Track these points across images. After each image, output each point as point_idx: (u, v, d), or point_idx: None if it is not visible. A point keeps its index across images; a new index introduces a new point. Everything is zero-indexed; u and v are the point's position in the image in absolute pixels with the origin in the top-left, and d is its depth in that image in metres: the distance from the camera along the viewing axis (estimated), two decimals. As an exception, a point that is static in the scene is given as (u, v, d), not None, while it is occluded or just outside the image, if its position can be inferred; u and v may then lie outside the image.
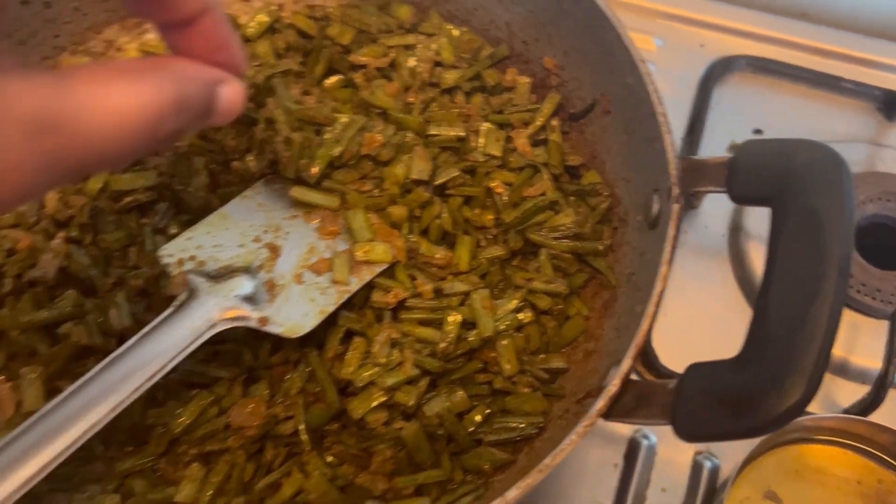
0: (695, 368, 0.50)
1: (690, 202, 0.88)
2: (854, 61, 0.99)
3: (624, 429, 0.78)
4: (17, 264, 0.64)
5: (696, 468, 0.76)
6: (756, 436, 0.47)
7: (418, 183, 0.66)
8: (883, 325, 0.78)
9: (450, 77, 0.73)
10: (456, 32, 0.76)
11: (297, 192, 0.65)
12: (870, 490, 0.71)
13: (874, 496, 0.71)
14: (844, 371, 0.80)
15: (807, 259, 0.48)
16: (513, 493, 0.47)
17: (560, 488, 0.75)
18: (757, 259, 0.85)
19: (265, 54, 0.73)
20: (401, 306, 0.63)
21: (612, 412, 0.50)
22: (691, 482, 0.76)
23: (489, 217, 0.68)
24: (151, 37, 0.76)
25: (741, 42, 1.00)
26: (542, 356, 0.64)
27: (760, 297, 0.49)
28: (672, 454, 0.77)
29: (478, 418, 0.60)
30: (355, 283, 0.62)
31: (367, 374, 0.60)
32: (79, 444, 0.49)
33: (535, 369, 0.62)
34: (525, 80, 0.74)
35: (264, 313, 0.58)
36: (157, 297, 0.63)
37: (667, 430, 0.76)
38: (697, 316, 0.82)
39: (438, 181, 0.67)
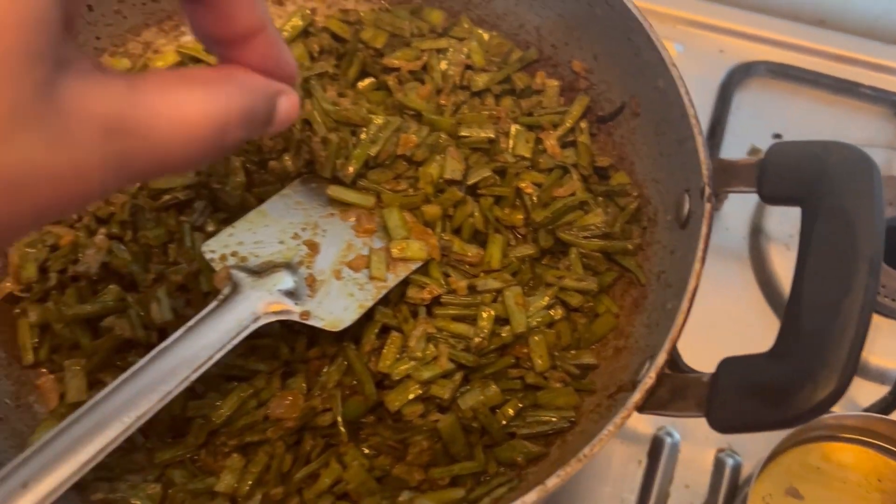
0: (728, 362, 0.52)
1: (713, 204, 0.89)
2: (872, 67, 1.00)
3: (648, 426, 0.79)
4: (60, 259, 0.66)
5: (719, 465, 0.78)
6: (790, 427, 0.49)
7: (451, 183, 0.68)
8: (902, 327, 0.80)
9: (480, 80, 0.74)
10: (486, 36, 0.77)
11: (334, 190, 0.66)
12: (890, 487, 0.72)
13: (894, 494, 0.72)
14: (864, 371, 0.82)
15: (838, 257, 0.49)
16: (553, 481, 0.48)
17: (585, 484, 0.77)
18: (778, 261, 0.86)
19: (300, 57, 0.74)
20: (435, 302, 0.64)
21: (648, 405, 0.52)
22: (714, 479, 0.77)
23: (519, 217, 0.69)
24: (188, 39, 0.78)
25: (760, 48, 1.01)
26: (572, 352, 0.65)
27: (793, 293, 0.50)
28: (695, 451, 0.78)
29: (511, 412, 0.62)
30: (392, 280, 0.63)
31: (403, 367, 0.61)
32: (128, 433, 0.50)
33: (567, 365, 0.64)
34: (554, 84, 0.75)
35: (306, 307, 0.59)
36: (196, 292, 0.65)
37: (690, 428, 0.79)
38: (719, 317, 0.84)
39: (471, 181, 0.68)
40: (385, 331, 0.64)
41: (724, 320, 0.84)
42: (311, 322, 0.59)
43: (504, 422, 0.62)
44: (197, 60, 0.76)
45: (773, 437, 0.68)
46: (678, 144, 0.62)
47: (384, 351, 0.62)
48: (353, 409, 0.61)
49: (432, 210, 0.66)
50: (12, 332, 0.65)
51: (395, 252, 0.64)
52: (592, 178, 0.72)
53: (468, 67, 0.75)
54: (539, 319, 0.64)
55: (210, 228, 0.68)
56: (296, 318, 0.59)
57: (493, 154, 0.71)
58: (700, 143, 0.57)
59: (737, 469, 0.77)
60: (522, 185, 0.69)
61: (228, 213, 0.69)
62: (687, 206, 0.60)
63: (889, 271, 0.84)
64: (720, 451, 0.78)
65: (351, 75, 0.75)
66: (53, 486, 0.47)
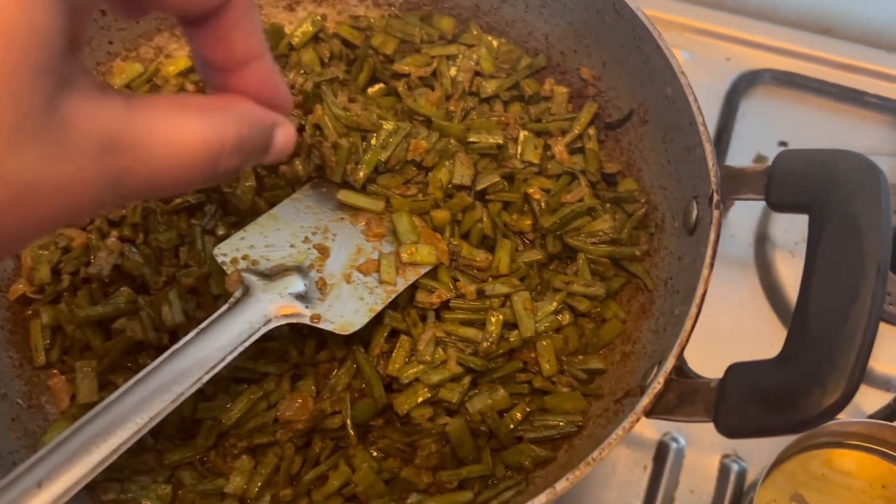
0: (736, 368, 0.52)
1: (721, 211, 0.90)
2: (878, 76, 1.01)
3: (653, 432, 0.80)
4: (72, 262, 0.66)
5: (724, 471, 0.78)
6: (798, 432, 0.49)
7: (460, 188, 0.68)
8: (907, 334, 0.80)
9: (489, 86, 0.75)
10: (495, 43, 0.78)
11: (344, 195, 0.67)
12: (895, 494, 0.72)
13: (899, 500, 0.72)
14: (869, 378, 0.82)
15: (845, 263, 0.50)
16: (562, 484, 0.48)
17: (591, 490, 0.77)
18: (783, 268, 0.87)
19: (311, 62, 0.75)
20: (444, 307, 0.65)
21: (656, 409, 0.52)
22: (719, 484, 0.78)
23: (527, 222, 0.70)
24: (199, 44, 0.79)
25: (766, 56, 1.02)
26: (580, 357, 0.65)
27: (800, 300, 0.51)
28: (700, 457, 0.79)
29: (518, 416, 0.62)
30: (401, 284, 0.64)
31: (412, 371, 0.62)
32: (141, 434, 0.51)
33: (574, 369, 0.64)
34: (562, 90, 0.76)
35: (316, 311, 0.60)
36: (207, 295, 0.65)
37: (696, 434, 0.79)
38: (725, 323, 0.84)
39: (479, 187, 0.69)
40: (394, 334, 0.64)
41: (730, 327, 0.84)
42: (321, 325, 0.60)
43: (512, 426, 0.62)
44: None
45: (777, 444, 0.68)
46: (686, 151, 0.62)
47: (393, 354, 0.63)
48: (361, 412, 0.62)
49: (441, 215, 0.67)
50: (24, 333, 0.66)
51: (404, 256, 0.64)
52: (600, 184, 0.72)
53: (477, 74, 0.76)
54: (547, 324, 0.65)
55: (221, 232, 0.68)
56: (306, 321, 0.59)
57: (502, 160, 0.71)
58: (709, 150, 0.58)
59: (742, 475, 0.78)
60: (530, 190, 0.70)
61: (239, 216, 0.69)
62: (695, 213, 0.61)
63: (894, 278, 0.84)
64: (725, 456, 0.79)
65: (361, 81, 0.75)
66: (67, 486, 0.48)
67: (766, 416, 0.48)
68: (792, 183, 0.55)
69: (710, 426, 0.78)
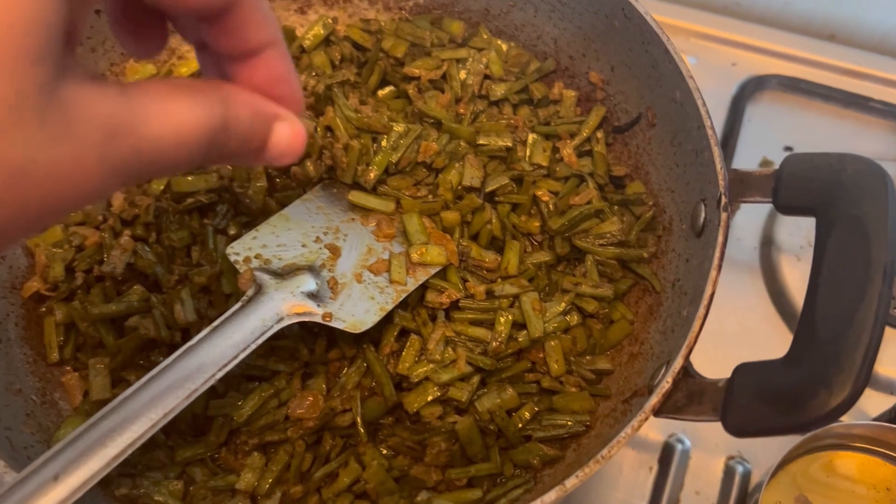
0: (744, 368, 0.53)
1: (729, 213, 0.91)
2: (882, 82, 1.02)
3: (659, 434, 0.80)
4: (86, 260, 0.67)
5: (729, 472, 0.79)
6: (804, 432, 0.50)
7: (470, 190, 0.69)
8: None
9: (498, 89, 0.76)
10: (504, 47, 0.79)
11: (355, 196, 0.68)
12: (899, 497, 0.73)
13: (903, 503, 0.73)
14: (873, 382, 0.83)
15: (852, 265, 0.51)
16: (571, 481, 0.49)
17: (597, 490, 0.78)
18: (789, 271, 0.88)
19: (322, 65, 0.76)
20: (453, 307, 0.65)
21: (664, 409, 0.53)
22: (724, 486, 0.78)
23: (535, 224, 0.70)
24: (212, 46, 0.80)
25: (772, 62, 1.03)
26: (588, 357, 0.66)
27: (807, 301, 0.51)
28: (705, 458, 0.79)
29: (527, 415, 0.63)
30: (411, 284, 0.64)
31: (422, 370, 0.62)
32: (155, 429, 0.51)
33: (582, 370, 0.65)
34: (571, 94, 0.77)
35: (328, 309, 0.61)
36: (219, 293, 0.66)
37: (701, 435, 0.80)
38: (730, 326, 0.85)
39: (489, 188, 0.69)
40: (404, 334, 0.65)
41: (736, 329, 0.85)
42: (332, 324, 0.60)
43: (520, 425, 0.63)
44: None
45: (782, 445, 0.69)
46: (694, 155, 0.63)
47: (403, 353, 0.63)
48: (372, 410, 0.62)
49: (451, 216, 0.68)
50: (38, 330, 0.66)
51: (414, 257, 0.65)
52: (608, 186, 0.73)
53: (487, 77, 0.77)
54: (555, 325, 0.65)
55: (232, 231, 0.69)
56: (318, 319, 0.60)
57: (511, 162, 0.72)
58: (717, 153, 0.59)
59: (747, 476, 0.78)
60: (539, 192, 0.71)
61: (250, 216, 0.70)
62: (703, 216, 0.61)
63: (898, 283, 0.85)
64: (730, 458, 0.79)
65: (372, 83, 0.76)
66: (83, 480, 0.48)
67: (773, 416, 0.49)
68: (799, 186, 0.56)
69: (716, 428, 0.79)
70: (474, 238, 0.69)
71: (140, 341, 0.64)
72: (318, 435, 0.63)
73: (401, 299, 0.64)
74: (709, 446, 0.80)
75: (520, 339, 0.64)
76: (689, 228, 0.64)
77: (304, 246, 0.64)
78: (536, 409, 0.63)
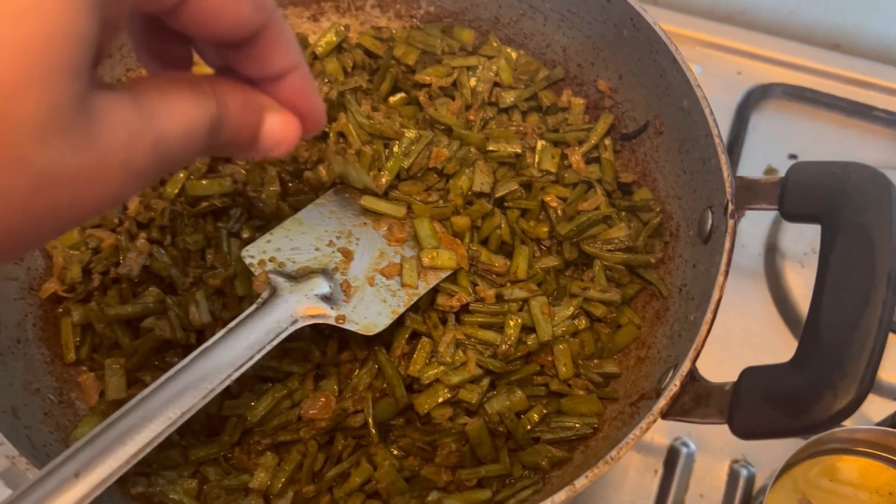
0: (750, 371, 0.54)
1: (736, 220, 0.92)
2: (886, 91, 1.03)
3: (664, 437, 0.81)
4: (102, 262, 0.68)
5: (733, 476, 0.80)
6: (810, 434, 0.51)
7: (480, 195, 0.70)
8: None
9: (508, 97, 0.77)
10: (514, 55, 0.80)
11: (367, 201, 0.69)
12: (902, 501, 0.74)
13: (906, 507, 0.74)
14: (876, 388, 0.84)
15: (857, 272, 0.52)
16: (581, 481, 0.50)
17: (602, 492, 0.79)
18: (793, 278, 0.89)
19: (334, 71, 0.77)
20: (464, 310, 0.67)
21: (672, 411, 0.54)
22: (728, 489, 0.79)
23: (544, 229, 0.71)
24: (226, 52, 0.81)
25: (777, 70, 1.04)
26: (596, 361, 0.67)
27: (812, 307, 0.52)
28: (710, 462, 0.80)
29: (535, 417, 0.64)
30: (423, 287, 0.65)
31: (433, 372, 0.63)
32: (173, 428, 0.52)
33: (590, 373, 0.66)
34: (579, 101, 0.78)
35: (341, 312, 0.62)
36: (232, 296, 0.67)
37: (706, 439, 0.81)
38: (735, 332, 0.86)
39: (498, 194, 0.71)
40: (415, 336, 0.66)
41: (740, 336, 0.86)
42: (346, 326, 0.61)
43: (529, 427, 0.64)
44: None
45: (786, 449, 0.70)
46: (702, 162, 0.64)
47: (414, 356, 0.64)
48: (383, 411, 0.63)
49: (461, 221, 0.69)
50: (55, 330, 0.68)
51: (425, 261, 0.66)
52: (616, 193, 0.74)
53: (496, 84, 0.78)
54: (564, 329, 0.66)
55: (245, 235, 0.70)
56: (332, 321, 0.61)
57: (520, 168, 0.73)
58: (724, 161, 0.60)
59: (751, 480, 0.79)
60: (548, 198, 0.72)
61: (263, 220, 0.71)
62: (710, 222, 0.62)
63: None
64: (735, 461, 0.80)
65: (383, 90, 0.77)
66: (103, 477, 0.49)
67: (779, 419, 0.50)
68: (805, 194, 0.57)
69: (720, 432, 0.80)
70: (484, 243, 0.70)
71: (155, 342, 0.65)
72: (331, 435, 0.64)
73: (412, 302, 0.65)
74: (713, 450, 0.81)
75: (529, 343, 0.66)
76: (696, 235, 0.65)
77: (317, 249, 0.65)
78: (545, 411, 0.64)
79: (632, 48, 0.71)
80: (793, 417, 0.49)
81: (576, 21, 0.76)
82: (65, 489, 0.48)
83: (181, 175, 0.72)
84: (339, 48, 0.80)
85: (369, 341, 0.65)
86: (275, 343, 0.58)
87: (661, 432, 0.81)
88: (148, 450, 0.51)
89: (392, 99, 0.78)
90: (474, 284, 0.68)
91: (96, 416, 0.64)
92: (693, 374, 0.79)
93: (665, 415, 0.54)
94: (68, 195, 0.32)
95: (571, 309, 0.67)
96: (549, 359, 0.66)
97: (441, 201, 0.70)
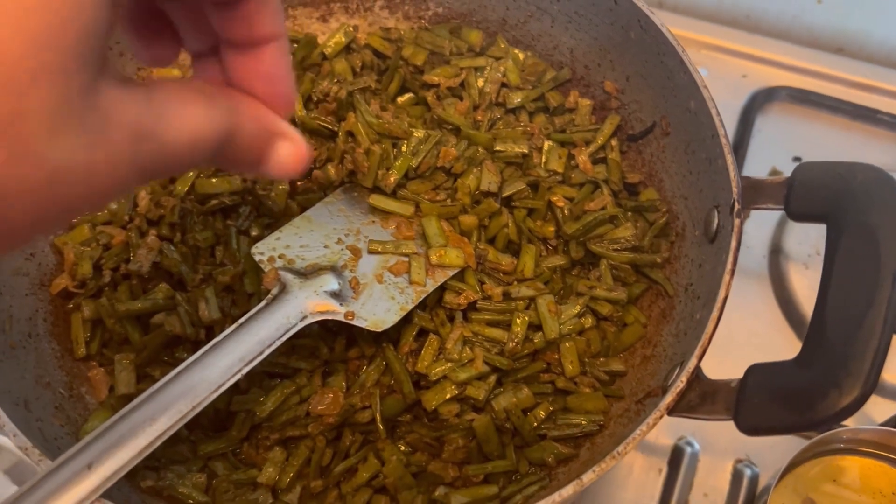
0: (756, 368, 0.54)
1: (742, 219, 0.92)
2: (890, 95, 1.04)
3: (668, 437, 0.82)
4: (113, 258, 0.69)
5: (737, 475, 0.80)
6: (815, 430, 0.51)
7: (487, 194, 0.71)
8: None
9: (515, 97, 0.78)
10: (521, 56, 0.81)
11: (376, 199, 0.69)
12: (905, 501, 0.74)
13: (909, 507, 0.74)
14: (880, 389, 0.84)
15: (862, 271, 0.52)
16: (588, 475, 0.51)
17: (608, 490, 0.79)
18: (797, 280, 0.89)
19: (343, 71, 0.78)
20: (471, 308, 0.67)
21: (678, 407, 0.54)
22: (732, 488, 0.80)
23: (550, 229, 0.72)
24: (236, 52, 0.82)
25: (782, 74, 1.05)
26: (602, 359, 0.68)
27: (818, 305, 0.53)
28: (714, 461, 0.81)
29: (542, 414, 0.64)
30: (430, 285, 0.66)
31: (440, 368, 0.64)
32: (184, 421, 0.53)
33: (596, 371, 0.67)
34: (586, 103, 0.78)
35: (350, 308, 0.62)
36: (241, 293, 0.68)
37: (710, 439, 0.81)
38: (740, 333, 0.86)
39: (505, 193, 0.71)
40: (423, 333, 0.67)
41: (745, 336, 0.87)
42: (354, 322, 0.62)
43: (535, 423, 0.64)
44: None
45: (790, 449, 0.70)
46: (708, 163, 0.65)
47: (422, 352, 0.65)
48: (391, 407, 0.64)
49: (469, 220, 0.69)
50: (66, 326, 0.68)
51: (433, 259, 0.67)
52: (622, 193, 0.75)
53: (504, 85, 0.79)
54: (570, 327, 0.67)
55: (255, 233, 0.71)
56: (340, 317, 0.62)
57: (527, 168, 0.74)
58: (730, 161, 0.60)
59: (754, 479, 0.80)
60: (554, 198, 0.72)
61: (272, 218, 0.72)
62: (716, 222, 0.63)
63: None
64: (738, 461, 0.81)
65: (391, 90, 0.78)
66: (115, 469, 0.50)
67: (784, 415, 0.50)
68: (810, 194, 0.58)
69: (725, 432, 0.81)
70: (491, 241, 0.71)
71: (165, 338, 0.66)
72: (339, 431, 0.64)
73: (420, 299, 0.65)
74: (717, 449, 0.81)
75: (535, 341, 0.66)
76: (702, 234, 0.66)
77: (326, 247, 0.66)
78: (551, 408, 0.65)
79: (639, 50, 0.72)
80: (798, 414, 0.50)
81: (583, 23, 0.77)
82: (78, 480, 0.49)
83: (191, 173, 0.73)
84: (347, 49, 0.81)
85: (377, 338, 0.66)
86: (284, 338, 0.58)
87: (665, 432, 0.82)
88: (159, 442, 0.52)
89: (400, 99, 0.79)
90: (481, 282, 0.68)
91: (106, 411, 0.65)
92: (697, 374, 0.80)
93: (671, 411, 0.54)
94: (79, 188, 0.32)
95: (578, 307, 0.68)
96: (556, 356, 0.67)
97: (449, 200, 0.70)
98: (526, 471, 0.63)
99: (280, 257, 0.64)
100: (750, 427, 0.52)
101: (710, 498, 0.79)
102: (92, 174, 0.33)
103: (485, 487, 0.62)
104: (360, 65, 0.79)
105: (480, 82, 0.78)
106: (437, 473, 0.62)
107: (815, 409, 0.49)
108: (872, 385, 0.49)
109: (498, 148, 0.74)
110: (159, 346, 0.66)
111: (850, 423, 0.81)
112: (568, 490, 0.50)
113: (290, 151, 0.44)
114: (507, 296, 0.67)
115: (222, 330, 0.57)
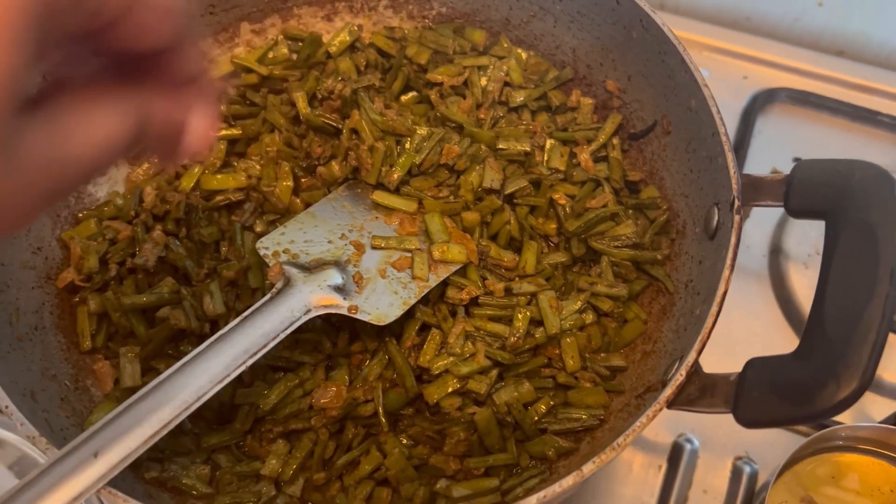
0: (755, 362, 0.55)
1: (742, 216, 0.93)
2: (890, 97, 1.04)
3: (668, 434, 0.82)
4: (119, 252, 0.70)
5: (737, 472, 0.81)
6: (813, 423, 0.52)
7: (489, 191, 0.71)
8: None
9: (518, 96, 0.78)
10: (524, 55, 0.82)
11: (379, 196, 0.70)
12: (903, 499, 0.75)
13: (907, 505, 0.75)
14: (878, 387, 0.85)
15: (860, 267, 0.53)
16: (589, 467, 0.51)
17: (607, 487, 0.80)
18: (797, 279, 0.90)
19: (347, 70, 0.79)
20: (473, 303, 0.68)
21: (677, 401, 0.55)
22: (731, 485, 0.80)
23: (552, 226, 0.73)
24: (241, 50, 0.82)
25: (783, 75, 1.05)
26: (602, 354, 0.68)
27: (816, 300, 0.54)
28: (713, 458, 0.81)
29: (543, 409, 0.65)
30: (433, 280, 0.67)
31: (442, 362, 0.65)
32: (189, 412, 0.54)
33: (597, 366, 0.67)
34: (588, 102, 0.79)
35: (354, 302, 0.63)
36: (245, 287, 0.69)
37: (709, 436, 0.82)
38: (739, 331, 0.87)
39: (508, 191, 0.72)
40: (425, 328, 0.67)
41: (744, 335, 0.87)
42: (358, 316, 0.63)
43: (536, 417, 0.65)
44: (248, 70, 0.80)
45: (789, 446, 0.71)
46: (708, 161, 0.65)
47: (424, 347, 0.65)
48: (393, 401, 0.65)
49: (471, 216, 0.70)
50: (72, 319, 0.69)
51: (436, 254, 0.67)
52: (623, 191, 0.75)
53: (507, 84, 0.80)
54: (571, 322, 0.68)
55: (259, 229, 0.72)
56: (344, 311, 0.62)
57: (529, 166, 0.74)
58: (731, 159, 0.61)
59: (753, 476, 0.80)
60: (556, 196, 0.73)
61: (276, 214, 0.73)
62: (716, 219, 0.63)
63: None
64: (738, 458, 0.81)
65: (395, 89, 0.79)
66: (121, 457, 0.51)
67: (783, 408, 0.51)
68: (810, 191, 0.58)
69: (724, 429, 0.81)
70: (493, 238, 0.71)
71: (170, 331, 0.67)
72: (341, 424, 0.65)
73: (423, 294, 0.66)
74: (717, 446, 0.81)
75: (537, 336, 0.67)
76: (703, 231, 0.67)
77: (329, 242, 0.67)
78: (552, 402, 0.65)
79: (641, 49, 0.73)
80: (797, 406, 0.50)
81: (585, 23, 0.77)
82: (85, 467, 0.49)
83: (196, 170, 0.74)
84: (352, 47, 0.82)
85: (380, 332, 0.66)
86: (288, 331, 0.59)
87: (665, 429, 0.82)
88: (164, 432, 0.53)
89: (404, 97, 0.79)
90: (483, 278, 0.69)
91: (111, 403, 0.65)
92: (696, 371, 0.81)
93: (671, 404, 0.55)
94: None
95: (579, 303, 0.68)
96: (557, 352, 0.67)
97: (452, 197, 0.71)
98: (527, 464, 0.64)
99: (284, 252, 0.65)
100: (749, 420, 0.53)
101: (709, 495, 0.80)
102: (11, 198, 0.33)
103: (486, 480, 0.62)
104: (364, 63, 0.80)
105: (483, 81, 0.79)
106: (439, 466, 0.63)
107: (814, 402, 0.50)
108: (870, 377, 0.49)
109: (500, 146, 0.74)
110: (164, 339, 0.67)
111: (848, 420, 0.81)
112: (568, 481, 0.51)
113: (196, 134, 0.43)
114: (508, 291, 0.68)
115: (227, 324, 0.58)
